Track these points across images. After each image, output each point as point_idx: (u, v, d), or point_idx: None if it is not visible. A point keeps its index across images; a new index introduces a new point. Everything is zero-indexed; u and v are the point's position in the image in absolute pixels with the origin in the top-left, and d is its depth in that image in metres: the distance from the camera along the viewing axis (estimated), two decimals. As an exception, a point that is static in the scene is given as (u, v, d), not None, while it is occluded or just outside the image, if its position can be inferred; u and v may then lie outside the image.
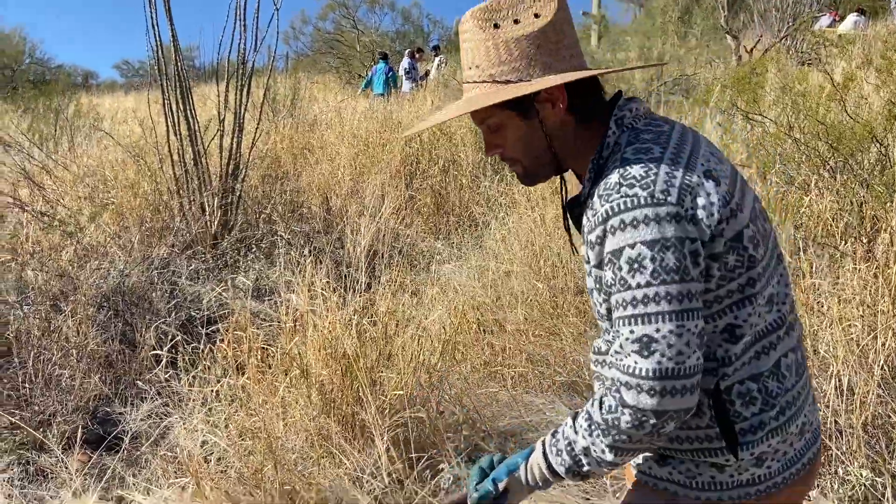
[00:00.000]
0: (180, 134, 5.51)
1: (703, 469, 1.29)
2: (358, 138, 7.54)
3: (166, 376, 3.48)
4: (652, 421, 1.15)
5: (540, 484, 1.32)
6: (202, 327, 3.97)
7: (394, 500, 2.74)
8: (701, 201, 1.16)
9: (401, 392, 2.92)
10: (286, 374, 2.97)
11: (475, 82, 1.27)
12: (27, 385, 3.75)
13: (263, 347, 3.15)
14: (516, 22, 1.24)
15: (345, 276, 4.42)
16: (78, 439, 3.33)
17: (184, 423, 3.08)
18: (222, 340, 3.29)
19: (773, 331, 1.27)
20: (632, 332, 1.15)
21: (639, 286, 1.15)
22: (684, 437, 1.28)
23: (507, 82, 1.24)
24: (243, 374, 3.12)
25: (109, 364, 4.02)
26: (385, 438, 2.81)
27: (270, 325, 3.70)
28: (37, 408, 3.64)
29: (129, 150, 6.13)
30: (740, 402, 1.24)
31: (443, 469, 2.80)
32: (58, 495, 2.96)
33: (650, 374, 1.14)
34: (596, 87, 1.31)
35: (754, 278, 1.22)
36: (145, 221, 5.54)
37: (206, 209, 5.49)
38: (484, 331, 3.86)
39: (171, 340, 3.68)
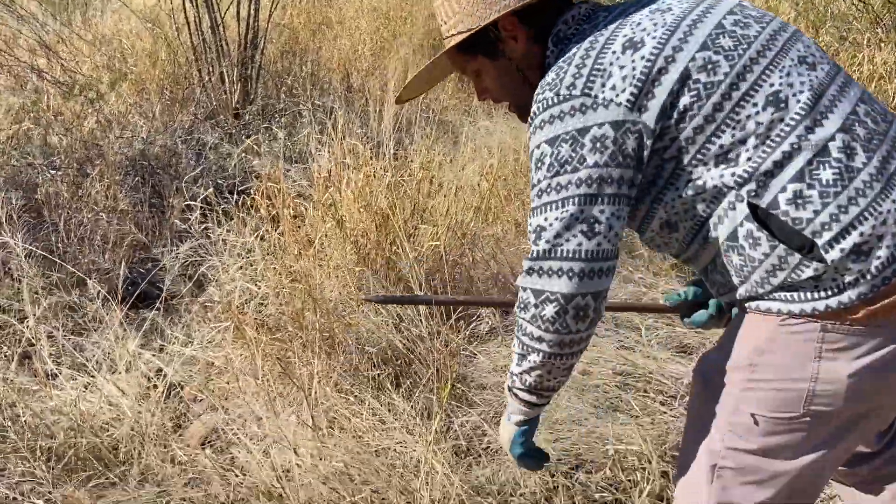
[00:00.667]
0: (196, 1, 5.30)
1: (804, 286, 1.21)
2: (378, 11, 7.25)
3: (201, 228, 3.47)
4: (533, 301, 1.25)
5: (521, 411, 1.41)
6: (230, 194, 3.94)
7: (431, 345, 2.77)
8: (612, 81, 1.20)
9: (437, 243, 2.90)
10: (323, 223, 2.95)
11: (449, 36, 1.36)
12: (60, 245, 3.77)
13: (297, 201, 3.11)
14: None
15: (373, 145, 4.32)
16: (118, 294, 3.37)
17: (221, 272, 3.09)
18: (254, 196, 3.25)
19: (798, 123, 1.19)
20: (530, 224, 1.27)
21: (537, 182, 1.25)
22: (762, 277, 1.23)
23: (470, 30, 1.31)
24: (278, 227, 3.11)
25: (140, 227, 4.02)
26: (423, 287, 2.81)
27: (302, 186, 3.65)
28: (72, 266, 3.66)
29: (145, 18, 5.93)
30: (793, 208, 1.18)
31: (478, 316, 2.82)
32: (99, 343, 3.01)
33: (532, 255, 1.25)
34: (556, 6, 1.33)
35: (727, 93, 1.19)
36: (165, 91, 5.42)
37: (226, 80, 5.36)
38: (516, 196, 3.81)
39: (201, 200, 3.65)
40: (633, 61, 1.20)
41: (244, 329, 2.73)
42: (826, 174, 1.17)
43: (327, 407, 2.46)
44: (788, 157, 1.17)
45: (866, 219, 1.16)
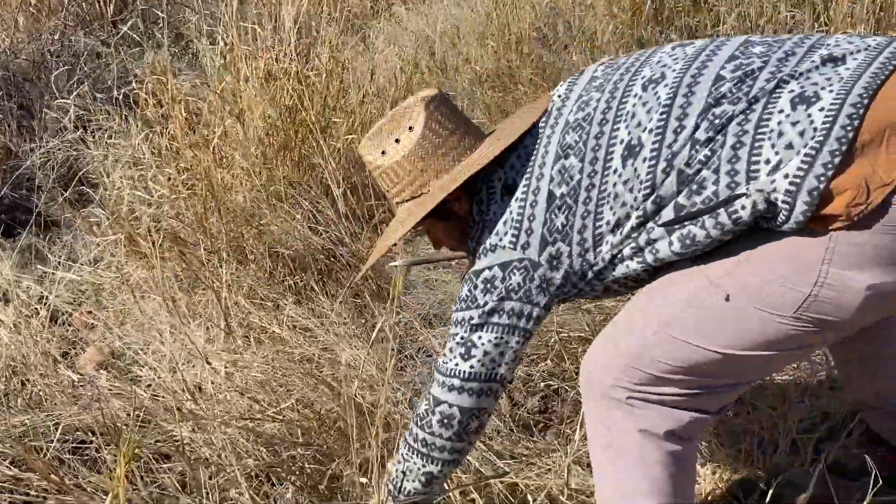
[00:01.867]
0: None
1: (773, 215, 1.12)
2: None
3: (78, 136, 3.05)
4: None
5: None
6: (111, 101, 3.49)
7: (352, 247, 2.52)
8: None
9: (354, 136, 2.62)
10: (222, 121, 2.60)
11: (396, 203, 1.43)
12: None
13: (190, 98, 2.74)
14: (397, 141, 1.37)
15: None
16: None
17: (106, 181, 2.70)
18: (138, 93, 2.85)
19: (660, 145, 1.16)
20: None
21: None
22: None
23: (413, 198, 1.38)
24: (168, 129, 2.73)
25: (7, 149, 3.53)
26: (341, 185, 2.54)
27: (195, 85, 3.25)
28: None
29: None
30: (694, 196, 1.14)
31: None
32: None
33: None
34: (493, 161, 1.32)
35: (589, 184, 1.22)
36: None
37: (100, -16, 4.75)
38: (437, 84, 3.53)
39: (77, 107, 3.20)
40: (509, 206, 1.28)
41: (139, 241, 2.40)
42: (702, 154, 1.13)
43: (242, 318, 2.19)
44: (665, 173, 1.15)
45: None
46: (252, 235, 2.43)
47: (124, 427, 1.75)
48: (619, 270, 1.23)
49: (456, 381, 1.31)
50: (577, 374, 2.07)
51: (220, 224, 2.35)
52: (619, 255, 1.21)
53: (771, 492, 1.54)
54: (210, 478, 1.64)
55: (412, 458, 1.40)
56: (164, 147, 2.75)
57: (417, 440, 1.38)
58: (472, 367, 1.29)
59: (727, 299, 1.11)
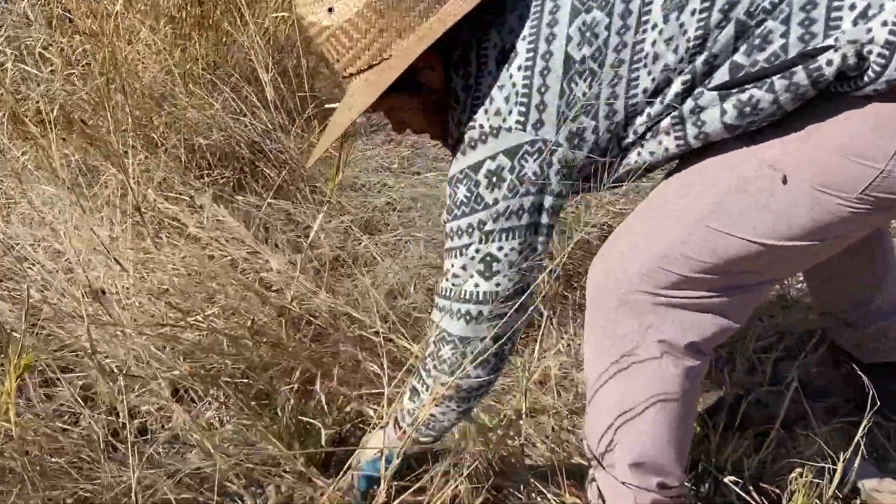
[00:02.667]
0: None
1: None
2: None
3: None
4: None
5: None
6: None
7: (282, 144, 2.25)
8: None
9: (285, 13, 2.31)
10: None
11: (348, 76, 1.12)
12: None
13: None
14: None
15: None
16: None
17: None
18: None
19: None
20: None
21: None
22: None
23: (370, 66, 1.09)
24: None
25: None
26: (270, 69, 2.24)
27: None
28: None
29: None
30: (757, 53, 0.96)
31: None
32: None
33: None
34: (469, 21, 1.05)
35: (618, 44, 1.01)
36: None
37: None
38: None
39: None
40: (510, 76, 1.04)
41: (25, 121, 2.04)
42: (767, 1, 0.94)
43: (153, 213, 1.91)
44: (720, 26, 0.96)
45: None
46: (163, 122, 2.11)
47: (13, 333, 1.48)
48: (650, 148, 1.05)
49: (483, 308, 1.09)
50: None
51: (124, 104, 2.02)
52: (654, 129, 1.03)
53: (741, 410, 1.47)
54: (119, 393, 1.41)
55: (448, 407, 1.19)
56: (55, 16, 2.35)
57: (447, 388, 1.15)
58: (497, 285, 1.08)
59: (784, 181, 0.96)
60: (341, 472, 1.27)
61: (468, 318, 1.09)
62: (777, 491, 1.19)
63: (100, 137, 1.94)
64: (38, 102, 2.09)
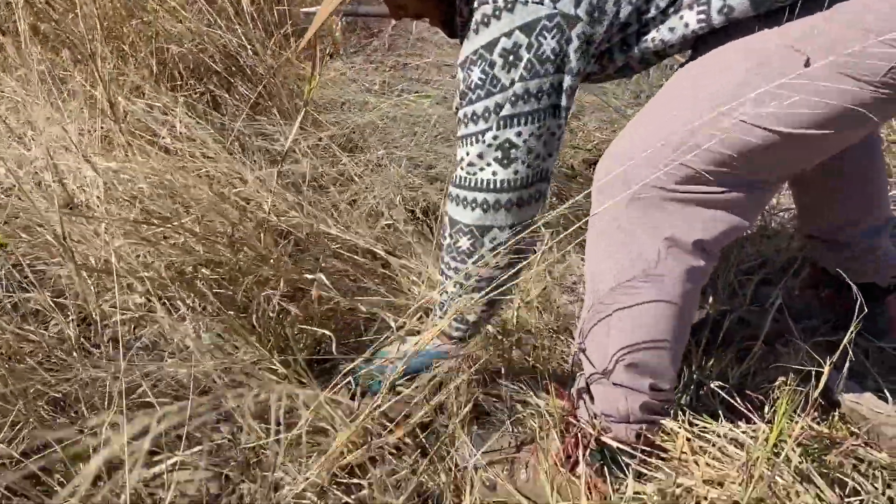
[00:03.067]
0: None
1: None
2: None
3: None
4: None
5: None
6: None
7: (258, 57, 2.16)
8: None
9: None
10: None
11: None
12: None
13: None
14: None
15: None
16: None
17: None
18: None
19: None
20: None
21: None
22: None
23: None
24: None
25: None
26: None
27: None
28: None
29: None
30: None
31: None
32: None
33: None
34: None
35: None
36: None
37: None
38: None
39: None
40: None
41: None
42: None
43: (125, 121, 1.82)
44: None
45: None
46: (134, 31, 2.01)
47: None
48: (670, 24, 1.00)
49: (501, 197, 1.05)
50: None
51: (93, 11, 1.91)
52: (678, 1, 0.99)
53: (724, 327, 1.47)
54: (95, 288, 1.36)
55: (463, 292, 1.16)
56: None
57: (469, 277, 1.13)
58: (516, 172, 1.04)
59: (806, 64, 0.92)
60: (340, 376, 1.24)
61: (485, 207, 1.06)
62: (761, 398, 1.20)
63: (69, 40, 1.84)
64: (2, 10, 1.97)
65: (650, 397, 1.10)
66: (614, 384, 1.10)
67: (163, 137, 1.79)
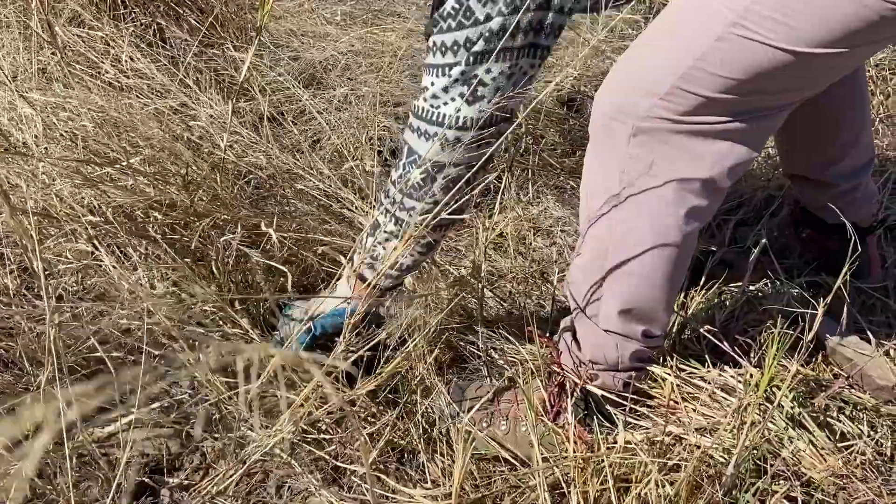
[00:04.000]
0: None
1: None
2: None
3: None
4: None
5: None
6: None
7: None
8: None
9: None
10: None
11: None
12: None
13: None
14: None
15: None
16: None
17: None
18: None
19: None
20: None
21: None
22: None
23: None
24: None
25: None
26: None
27: None
28: None
29: None
30: None
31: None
32: None
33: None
34: None
35: None
36: None
37: None
38: None
39: None
40: None
41: None
42: None
43: (66, 56, 1.67)
44: None
45: None
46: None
47: None
48: None
49: (462, 135, 0.98)
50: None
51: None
52: None
53: (706, 269, 1.43)
54: (37, 235, 1.24)
55: (401, 230, 1.09)
56: None
57: (412, 211, 1.06)
58: (480, 111, 0.96)
59: None
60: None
61: (444, 142, 0.98)
62: (748, 342, 1.16)
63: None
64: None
65: (642, 345, 1.05)
66: (605, 330, 1.04)
67: (106, 71, 1.65)
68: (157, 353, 1.29)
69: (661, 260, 0.98)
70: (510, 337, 1.30)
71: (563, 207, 1.75)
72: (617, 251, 0.99)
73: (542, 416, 1.11)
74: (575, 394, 1.08)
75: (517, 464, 1.13)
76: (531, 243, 1.69)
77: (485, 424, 1.19)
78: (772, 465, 0.94)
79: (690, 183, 0.95)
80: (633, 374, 1.07)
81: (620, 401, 1.07)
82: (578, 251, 1.05)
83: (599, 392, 1.07)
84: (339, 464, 1.17)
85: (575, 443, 1.01)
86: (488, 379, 1.29)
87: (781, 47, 0.86)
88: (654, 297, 1.01)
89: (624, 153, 0.95)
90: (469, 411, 1.19)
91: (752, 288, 1.40)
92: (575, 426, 1.03)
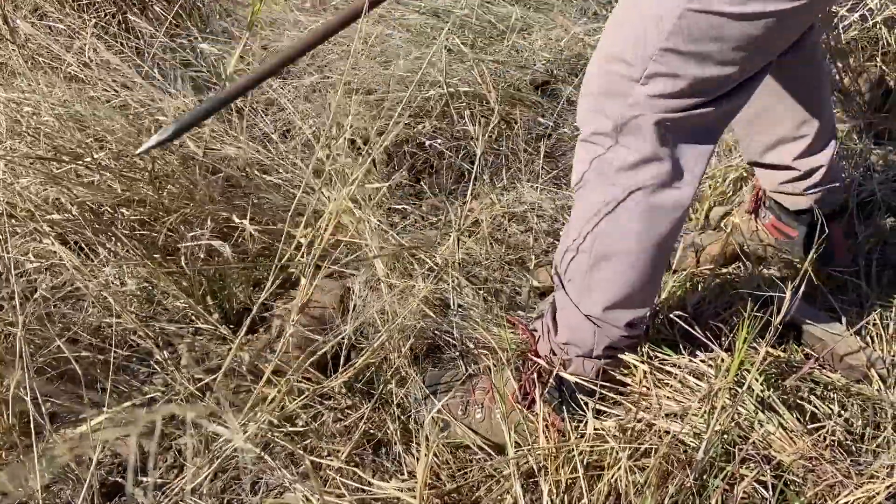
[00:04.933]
0: None
1: None
2: None
3: None
4: None
5: None
6: None
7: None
8: None
9: None
10: None
11: None
12: None
13: None
14: None
15: None
16: None
17: None
18: None
19: None
20: None
21: None
22: None
23: None
24: None
25: None
26: None
27: None
28: None
29: None
30: None
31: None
32: None
33: None
34: None
35: None
36: None
37: None
38: None
39: None
40: None
41: None
42: None
43: (27, 46, 1.63)
44: None
45: None
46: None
47: None
48: None
49: None
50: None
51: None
52: None
53: (677, 254, 1.43)
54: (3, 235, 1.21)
55: None
56: None
57: None
58: None
59: None
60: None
61: None
62: (719, 325, 1.16)
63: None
64: None
65: (621, 334, 1.05)
66: (587, 316, 1.05)
67: (69, 64, 1.61)
68: (127, 352, 1.28)
69: (646, 247, 0.99)
70: (485, 325, 1.30)
71: (537, 193, 1.74)
72: (603, 238, 1.00)
73: (515, 404, 1.11)
74: (549, 382, 1.08)
75: (493, 452, 1.14)
76: (506, 230, 1.69)
77: (460, 412, 1.19)
78: (741, 449, 0.94)
79: (674, 170, 0.96)
80: (606, 361, 1.07)
81: (593, 387, 1.07)
82: (566, 234, 1.06)
83: (572, 379, 1.07)
84: (313, 458, 1.17)
85: (547, 430, 1.02)
86: (463, 367, 1.29)
87: (743, 13, 0.86)
88: (640, 284, 1.02)
89: (610, 142, 0.97)
90: (441, 400, 1.19)
91: (723, 271, 1.41)
92: (549, 414, 1.04)
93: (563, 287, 1.08)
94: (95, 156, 1.41)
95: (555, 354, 1.11)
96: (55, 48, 1.61)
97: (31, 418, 1.08)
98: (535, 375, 1.11)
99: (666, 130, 0.95)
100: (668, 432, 0.99)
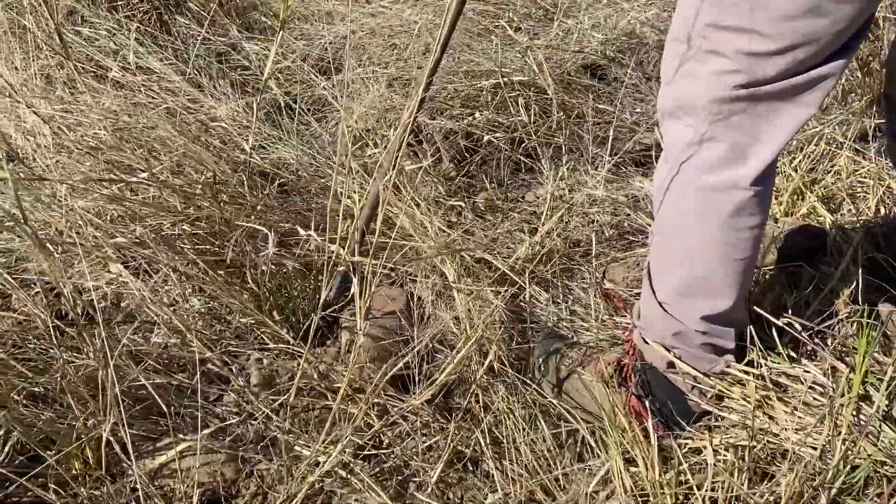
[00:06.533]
0: None
1: None
2: None
3: None
4: None
5: None
6: None
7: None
8: None
9: None
10: None
11: None
12: None
13: None
14: None
15: None
16: None
17: None
18: None
19: None
20: None
21: None
22: None
23: None
24: None
25: None
26: None
27: None
28: None
29: None
30: None
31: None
32: None
33: None
34: None
35: None
36: None
37: None
38: None
39: None
40: None
41: None
42: None
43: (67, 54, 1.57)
44: None
45: None
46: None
47: None
48: None
49: None
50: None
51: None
52: None
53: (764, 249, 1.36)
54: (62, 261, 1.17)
55: None
56: None
57: None
58: None
59: None
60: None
61: None
62: (823, 330, 1.10)
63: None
64: None
65: (699, 329, 1.02)
66: (659, 302, 1.04)
67: (112, 71, 1.55)
68: (196, 375, 1.23)
69: (704, 229, 0.97)
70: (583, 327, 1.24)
71: (601, 187, 1.67)
72: (662, 215, 1.01)
73: (609, 381, 1.10)
74: (635, 370, 1.07)
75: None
76: (568, 223, 1.62)
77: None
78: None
79: (732, 150, 0.93)
80: (677, 352, 1.05)
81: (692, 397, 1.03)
82: (653, 236, 1.06)
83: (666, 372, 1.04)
84: (402, 479, 1.13)
85: (632, 413, 1.02)
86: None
87: None
88: (703, 271, 0.99)
89: (675, 121, 0.97)
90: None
91: (811, 267, 1.34)
92: (632, 398, 1.04)
93: (649, 270, 1.08)
94: (153, 170, 1.36)
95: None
96: (95, 55, 1.55)
97: (113, 453, 1.05)
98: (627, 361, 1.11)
99: (725, 109, 0.92)
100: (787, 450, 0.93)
